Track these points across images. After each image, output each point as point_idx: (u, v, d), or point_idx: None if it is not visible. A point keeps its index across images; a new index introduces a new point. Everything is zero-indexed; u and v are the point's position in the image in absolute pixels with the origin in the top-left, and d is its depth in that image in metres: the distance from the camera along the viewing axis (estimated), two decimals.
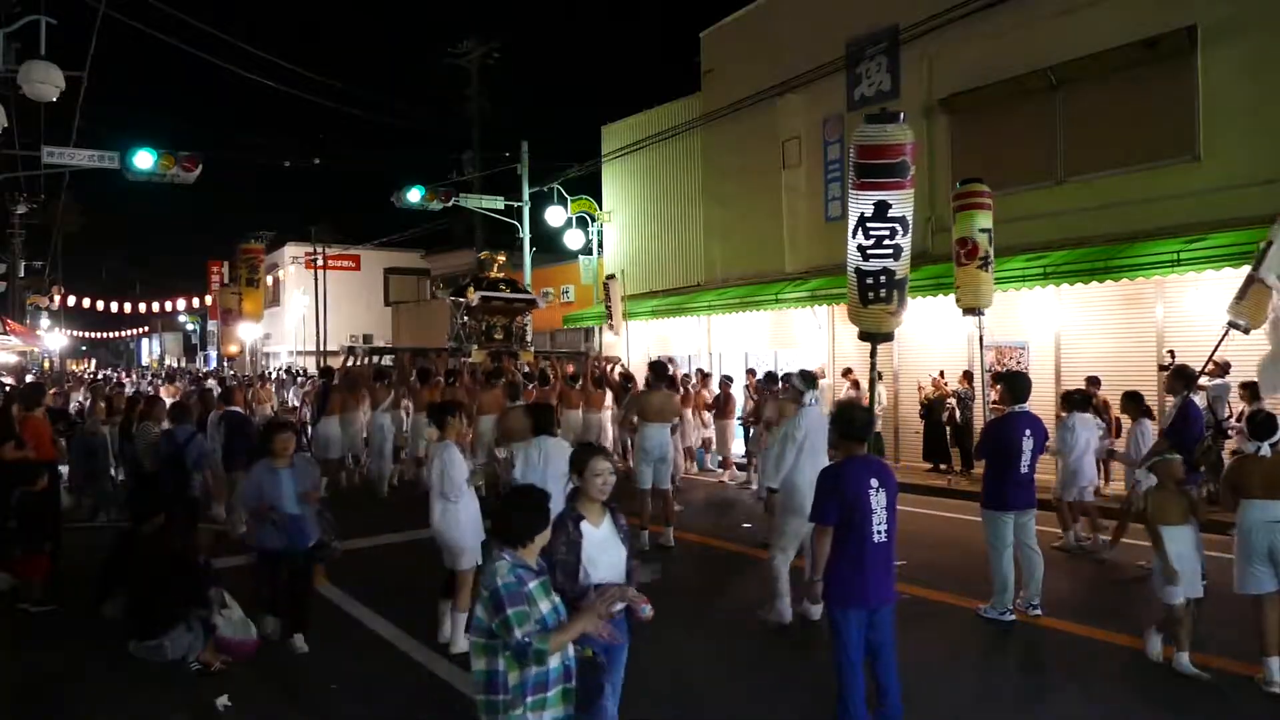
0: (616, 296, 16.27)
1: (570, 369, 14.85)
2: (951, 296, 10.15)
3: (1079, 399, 8.80)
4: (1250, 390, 8.95)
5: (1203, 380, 9.79)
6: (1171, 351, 10.21)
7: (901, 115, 6.45)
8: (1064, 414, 8.67)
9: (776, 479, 6.55)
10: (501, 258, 16.44)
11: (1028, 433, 6.45)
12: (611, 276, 16.49)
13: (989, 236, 9.43)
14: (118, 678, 5.50)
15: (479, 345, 14.99)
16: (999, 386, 7.54)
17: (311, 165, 23.55)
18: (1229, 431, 9.44)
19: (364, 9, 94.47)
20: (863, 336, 6.74)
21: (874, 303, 6.32)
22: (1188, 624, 5.23)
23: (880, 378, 12.93)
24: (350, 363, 14.51)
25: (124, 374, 37.83)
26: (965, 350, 12.60)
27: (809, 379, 7.29)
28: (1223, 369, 9.61)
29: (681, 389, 13.01)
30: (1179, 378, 8.06)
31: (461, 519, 5.80)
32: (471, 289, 15.52)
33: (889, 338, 6.71)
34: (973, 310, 9.12)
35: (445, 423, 6.01)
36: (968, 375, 12.40)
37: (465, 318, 15.55)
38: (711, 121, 17.31)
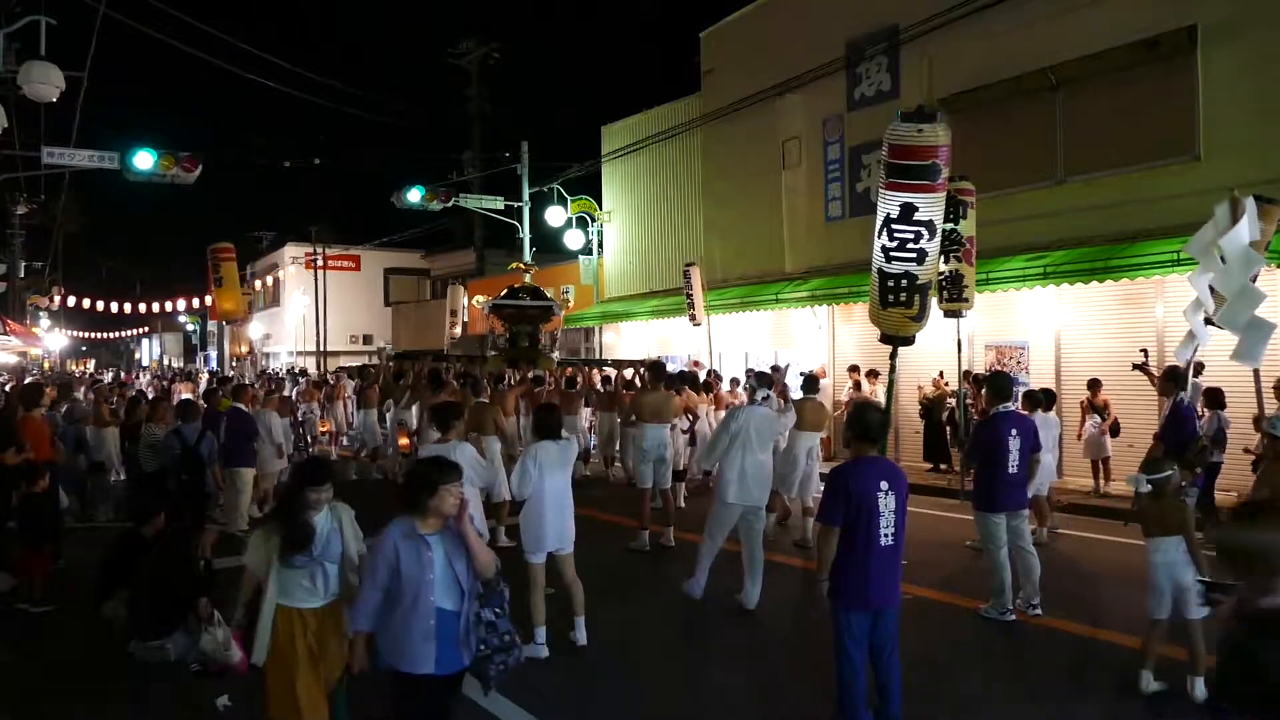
0: (698, 284, 14.95)
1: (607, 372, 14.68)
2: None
3: (1043, 398, 8.83)
4: (1208, 398, 8.88)
5: None
6: (1145, 350, 10.19)
7: (937, 114, 6.30)
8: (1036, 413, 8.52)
9: (708, 461, 7.01)
10: (533, 267, 16.27)
11: (1014, 432, 6.40)
12: (691, 263, 15.24)
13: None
14: (118, 678, 5.50)
15: (496, 352, 14.41)
16: (983, 390, 7.55)
17: (311, 165, 23.56)
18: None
19: (364, 9, 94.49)
20: (883, 339, 6.72)
21: (894, 306, 6.29)
22: (1197, 650, 4.87)
23: (876, 376, 12.93)
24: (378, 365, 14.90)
25: (129, 375, 37.72)
26: (965, 350, 12.60)
27: (763, 379, 7.58)
28: (1195, 369, 9.59)
29: (715, 390, 12.62)
30: (1170, 379, 8.03)
31: (480, 518, 5.87)
32: (473, 300, 15.15)
33: (909, 341, 6.69)
34: (959, 313, 9.10)
35: (449, 425, 6.06)
36: (968, 375, 12.40)
37: (491, 326, 15.26)
38: (711, 121, 17.31)
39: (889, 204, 6.16)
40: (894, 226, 6.11)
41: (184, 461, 8.30)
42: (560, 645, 5.67)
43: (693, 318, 15.29)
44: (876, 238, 6.25)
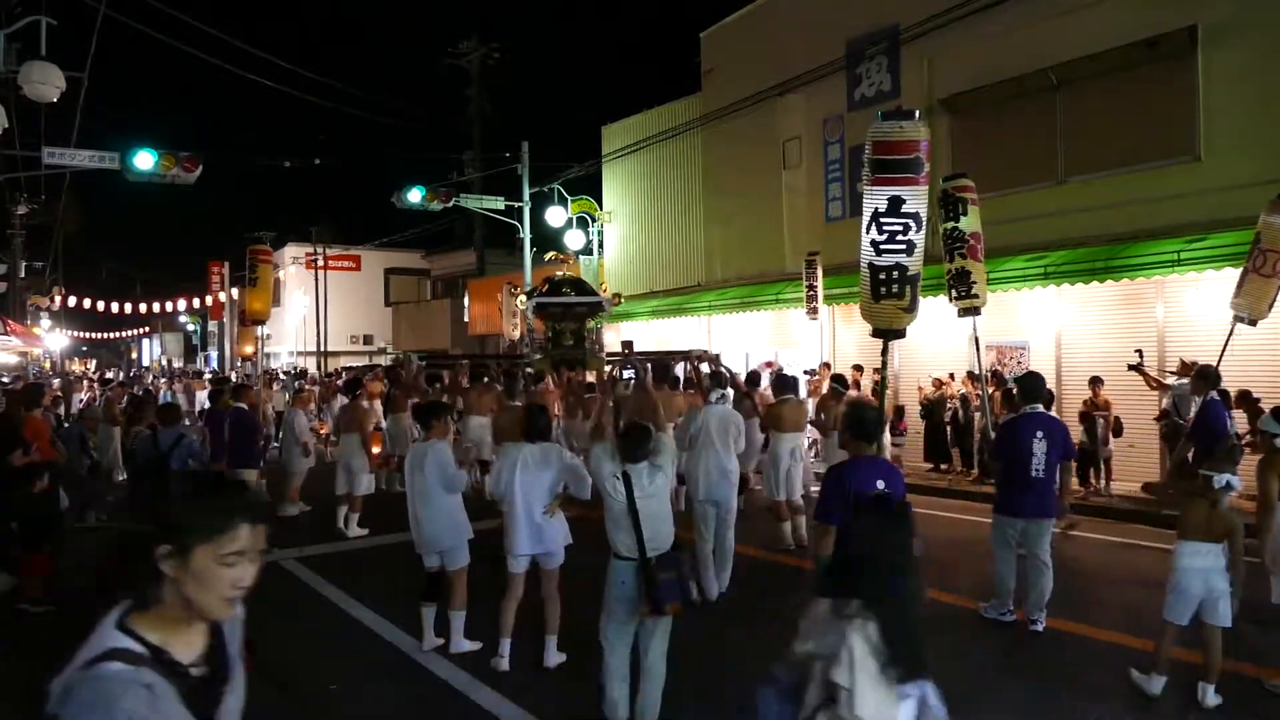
0: (819, 276, 13.83)
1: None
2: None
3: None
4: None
5: (1169, 380, 9.82)
6: (1139, 350, 10.17)
7: (916, 112, 6.43)
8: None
9: (679, 465, 7.40)
10: (570, 258, 15.48)
11: (1039, 435, 6.19)
12: (815, 253, 13.90)
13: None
14: None
15: (540, 352, 13.21)
16: (1013, 389, 7.50)
17: (311, 165, 23.55)
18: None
19: (364, 9, 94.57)
20: (875, 333, 6.74)
21: (886, 298, 6.32)
22: (1213, 656, 4.80)
23: (861, 371, 12.89)
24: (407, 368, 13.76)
25: (143, 375, 37.66)
26: (968, 350, 12.58)
27: (718, 379, 8.25)
28: (1190, 369, 9.59)
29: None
30: (1201, 378, 7.93)
31: (446, 516, 5.83)
32: (522, 297, 13.64)
33: (901, 334, 6.71)
34: (974, 310, 9.06)
35: (430, 424, 6.07)
36: (971, 376, 12.37)
37: (532, 323, 14.14)
38: (711, 121, 17.32)
39: (876, 198, 6.26)
40: (882, 220, 6.21)
41: (155, 466, 8.16)
42: (562, 646, 5.65)
43: (812, 310, 14.14)
44: (865, 233, 6.34)
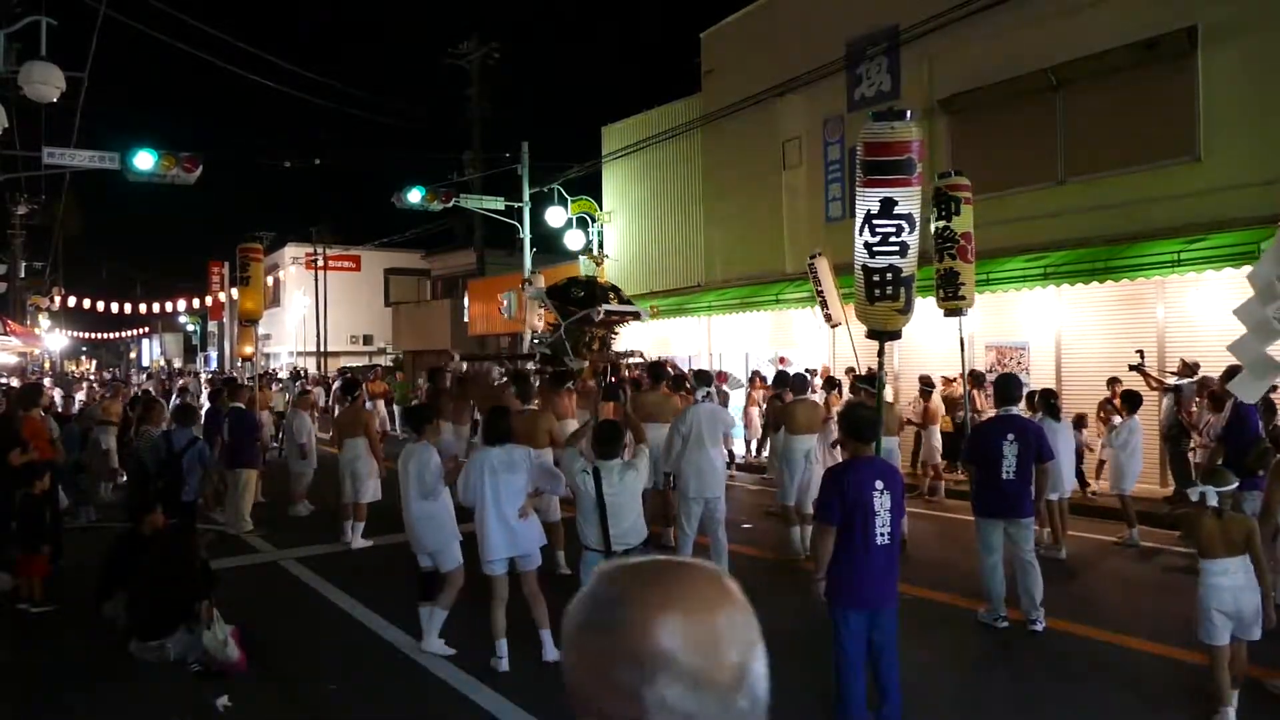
0: (828, 276, 12.34)
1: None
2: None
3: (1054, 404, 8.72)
4: (1211, 399, 8.79)
5: (1170, 380, 9.80)
6: (1140, 351, 10.15)
7: (909, 113, 6.42)
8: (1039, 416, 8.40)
9: (668, 464, 7.72)
10: (603, 260, 15.15)
11: (1010, 437, 6.24)
12: (818, 253, 12.51)
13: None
14: (118, 678, 5.50)
15: (584, 357, 12.37)
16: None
17: (311, 165, 23.52)
18: (1195, 433, 9.24)
19: (364, 9, 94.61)
20: (870, 335, 6.75)
21: (881, 300, 6.33)
22: (1239, 666, 4.59)
23: (851, 372, 12.77)
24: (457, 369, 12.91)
25: (167, 379, 37.56)
26: (966, 351, 12.52)
27: (703, 378, 8.29)
28: (1191, 369, 9.58)
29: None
30: (1231, 378, 7.85)
31: (430, 518, 5.86)
32: (600, 305, 12.81)
33: (896, 336, 6.72)
34: (959, 311, 9.06)
35: (424, 428, 6.09)
36: (974, 377, 12.33)
37: (549, 322, 13.15)
38: (711, 122, 17.32)
39: (869, 200, 6.25)
40: (875, 222, 6.20)
41: (166, 467, 8.17)
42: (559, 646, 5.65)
43: (828, 317, 12.66)
44: (858, 235, 6.34)
